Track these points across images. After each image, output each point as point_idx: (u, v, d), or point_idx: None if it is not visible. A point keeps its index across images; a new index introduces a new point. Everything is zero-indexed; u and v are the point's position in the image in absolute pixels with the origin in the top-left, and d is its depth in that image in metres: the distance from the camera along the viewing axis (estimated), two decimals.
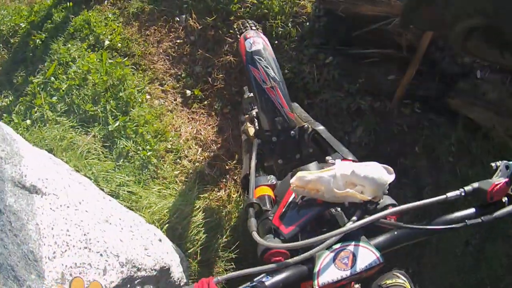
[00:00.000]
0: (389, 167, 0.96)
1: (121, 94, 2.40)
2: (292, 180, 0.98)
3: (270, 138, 1.50)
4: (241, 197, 2.30)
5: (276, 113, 1.48)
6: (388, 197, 0.99)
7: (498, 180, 0.94)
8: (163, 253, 1.38)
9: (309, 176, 0.94)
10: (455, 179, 2.38)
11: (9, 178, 1.21)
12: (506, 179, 0.94)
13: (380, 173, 0.92)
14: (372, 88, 2.49)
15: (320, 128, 1.49)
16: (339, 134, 2.47)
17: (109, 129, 2.30)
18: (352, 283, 0.90)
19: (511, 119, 2.19)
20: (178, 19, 2.78)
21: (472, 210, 0.95)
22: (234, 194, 2.30)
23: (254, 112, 1.70)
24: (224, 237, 2.12)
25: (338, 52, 2.49)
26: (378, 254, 0.86)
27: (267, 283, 0.82)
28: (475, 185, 0.96)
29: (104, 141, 2.30)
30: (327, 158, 1.26)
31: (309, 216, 0.97)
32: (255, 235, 0.93)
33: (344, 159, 1.24)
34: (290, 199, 1.02)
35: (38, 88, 2.50)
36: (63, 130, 2.28)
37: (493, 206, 0.94)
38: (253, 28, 1.79)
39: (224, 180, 2.37)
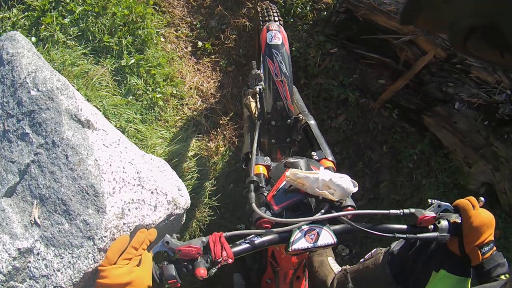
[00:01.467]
0: (355, 182, 1.26)
1: (139, 31, 2.44)
2: (287, 174, 1.28)
3: (269, 121, 1.76)
4: (227, 152, 2.58)
5: (280, 101, 1.73)
6: (350, 200, 1.30)
7: (429, 213, 1.24)
8: (186, 194, 1.44)
9: (300, 174, 1.25)
10: (409, 183, 2.76)
11: (66, 110, 1.22)
12: (434, 215, 1.24)
13: (348, 184, 1.23)
14: (362, 86, 2.76)
15: (312, 122, 1.74)
16: (322, 117, 2.76)
17: (122, 64, 2.35)
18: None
19: (471, 150, 2.58)
20: None
21: (404, 227, 1.28)
22: (221, 148, 2.56)
23: (257, 89, 1.89)
24: (210, 185, 2.42)
25: (344, 46, 2.71)
26: (334, 237, 1.22)
27: (256, 242, 1.20)
28: (412, 210, 1.25)
29: (115, 74, 2.35)
30: (312, 153, 1.56)
31: (293, 200, 1.29)
32: (254, 206, 1.23)
33: (325, 158, 1.54)
34: (281, 185, 1.32)
35: (49, 6, 2.30)
36: (75, 55, 2.24)
37: (420, 229, 1.26)
38: (276, 20, 1.94)
39: (215, 133, 2.60)
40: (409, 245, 1.48)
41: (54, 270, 1.07)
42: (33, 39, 2.23)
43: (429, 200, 1.30)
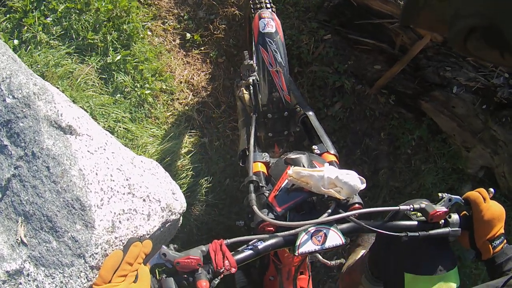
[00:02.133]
0: (363, 178, 1.20)
1: (124, 26, 2.37)
2: (289, 172, 1.21)
3: (265, 114, 1.69)
4: (221, 146, 2.50)
5: (275, 92, 1.65)
6: (357, 197, 1.24)
7: (440, 208, 1.17)
8: (182, 197, 1.36)
9: (304, 172, 1.18)
10: (408, 169, 2.71)
11: (44, 117, 1.13)
12: (446, 209, 1.17)
13: (356, 181, 1.17)
14: (358, 72, 2.68)
15: (310, 113, 1.68)
16: (318, 105, 2.68)
17: (108, 61, 2.28)
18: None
19: (469, 134, 2.53)
20: None
21: (414, 224, 1.20)
22: (215, 142, 2.48)
23: (251, 80, 1.78)
24: (206, 182, 2.35)
25: (337, 32, 2.63)
26: (342, 238, 1.15)
27: (259, 247, 1.11)
28: (422, 205, 1.18)
29: (101, 73, 2.28)
30: (313, 147, 1.49)
31: (297, 200, 1.22)
32: (256, 209, 1.16)
33: (327, 151, 1.47)
34: (283, 184, 1.25)
35: (31, 6, 2.26)
36: (58, 56, 2.20)
37: (431, 225, 1.19)
38: (268, 7, 1.86)
39: (208, 127, 2.52)
40: (378, 242, 1.42)
41: None
42: (16, 41, 2.20)
43: (439, 194, 1.24)
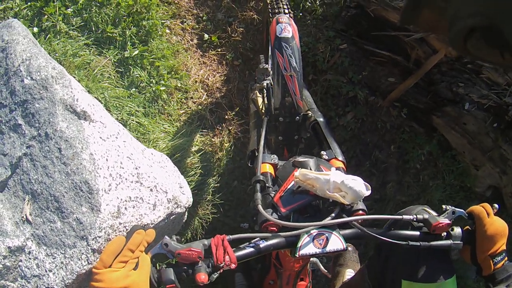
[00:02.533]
0: (368, 184, 1.20)
1: (144, 22, 2.40)
2: (296, 174, 1.22)
3: (277, 118, 1.70)
4: (232, 147, 2.51)
5: (288, 97, 1.66)
6: (361, 203, 1.24)
7: (443, 220, 1.17)
8: (188, 191, 1.37)
9: (311, 174, 1.19)
10: (416, 184, 2.70)
11: (60, 100, 1.15)
12: (449, 222, 1.17)
13: (361, 187, 1.17)
14: (371, 83, 2.69)
15: (321, 120, 1.68)
16: (330, 114, 2.69)
17: (125, 55, 2.30)
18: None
19: (479, 152, 2.52)
20: None
21: (416, 233, 1.21)
22: (226, 144, 2.50)
23: (265, 83, 1.79)
24: (213, 182, 2.36)
25: (353, 43, 2.64)
26: (344, 243, 1.15)
27: (261, 245, 1.12)
28: (426, 216, 1.18)
29: (118, 66, 2.30)
30: (322, 153, 1.50)
31: (302, 203, 1.23)
32: (260, 208, 1.17)
33: (335, 157, 1.48)
34: (289, 186, 1.25)
35: None
36: (77, 46, 2.21)
37: (433, 236, 1.20)
38: (286, 12, 1.89)
39: (220, 128, 2.54)
40: (377, 253, 1.42)
41: (46, 270, 1.01)
42: (35, 29, 2.21)
43: (444, 206, 1.24)
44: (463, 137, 2.54)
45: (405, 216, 1.18)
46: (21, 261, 1.03)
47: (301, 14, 2.70)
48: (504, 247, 1.21)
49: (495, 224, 1.19)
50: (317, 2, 2.70)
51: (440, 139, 2.70)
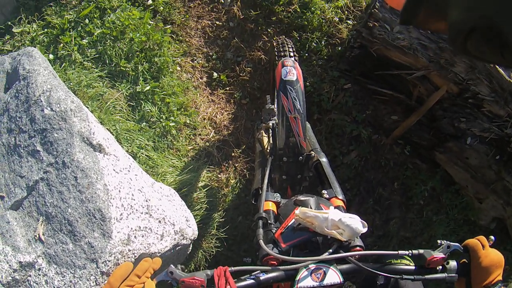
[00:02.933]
0: (365, 222, 1.23)
1: (156, 59, 2.49)
2: (297, 212, 1.27)
3: (281, 158, 1.75)
4: (237, 184, 2.57)
5: (292, 137, 1.72)
6: (359, 240, 1.28)
7: (438, 254, 1.21)
8: (194, 225, 1.44)
9: (310, 213, 1.24)
10: (419, 220, 2.72)
11: (78, 132, 1.23)
12: (444, 256, 1.21)
13: (358, 225, 1.21)
14: (375, 122, 2.76)
15: (324, 160, 1.73)
16: (335, 153, 2.75)
17: (137, 90, 2.38)
18: None
19: (482, 186, 2.55)
20: (223, 2, 2.89)
21: (411, 267, 1.25)
22: (232, 180, 2.55)
23: (271, 124, 1.89)
24: (218, 217, 2.40)
25: (357, 82, 2.74)
26: (341, 277, 1.19)
27: (261, 278, 1.17)
28: (421, 251, 1.22)
29: (130, 100, 2.38)
30: (323, 191, 1.54)
31: (301, 239, 1.27)
32: (261, 243, 1.21)
33: (335, 196, 1.52)
34: (290, 223, 1.30)
35: (69, 25, 2.36)
36: (91, 77, 2.27)
37: (428, 270, 1.23)
38: (291, 55, 1.96)
39: (226, 165, 2.60)
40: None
41: (54, 287, 1.06)
42: (51, 56, 2.28)
43: (439, 241, 1.27)
44: (466, 171, 2.59)
45: (400, 252, 1.21)
46: (30, 276, 1.09)
47: (307, 54, 2.80)
48: (499, 277, 1.22)
49: (490, 255, 1.21)
50: (323, 42, 2.81)
51: (443, 174, 2.75)
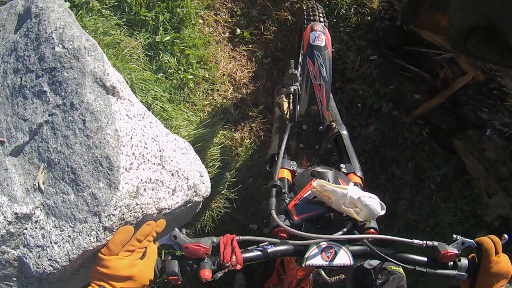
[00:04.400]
0: (384, 204, 1.18)
1: (178, 9, 2.39)
2: (314, 184, 1.21)
3: (301, 125, 1.68)
4: (252, 145, 2.53)
5: (314, 105, 1.65)
6: (374, 222, 1.23)
7: (452, 249, 1.16)
8: (208, 181, 1.33)
9: (328, 186, 1.18)
10: (428, 205, 2.68)
11: (91, 72, 1.11)
12: (457, 252, 1.17)
13: (377, 206, 1.16)
14: (397, 98, 2.68)
15: (344, 133, 1.66)
16: (353, 123, 2.70)
17: (156, 40, 2.30)
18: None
19: (494, 180, 2.49)
20: None
21: (424, 259, 1.20)
22: (246, 140, 2.51)
23: (292, 89, 1.76)
24: (230, 176, 2.36)
25: (384, 55, 2.64)
26: (351, 259, 1.15)
27: (269, 250, 1.12)
28: (435, 243, 1.17)
29: (148, 49, 2.30)
30: (341, 165, 1.49)
31: (315, 213, 1.22)
32: (273, 213, 1.16)
33: (354, 172, 1.47)
34: (305, 195, 1.24)
35: None
36: (108, 25, 2.19)
37: (441, 264, 1.19)
38: (322, 20, 1.88)
39: (242, 124, 2.55)
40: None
41: (51, 242, 0.99)
42: (67, 3, 2.14)
43: (454, 236, 1.22)
44: (480, 163, 2.53)
45: (415, 241, 1.16)
46: (26, 229, 1.02)
47: (334, 20, 2.69)
48: None
49: (501, 264, 1.17)
50: (352, 10, 2.69)
51: (457, 162, 2.69)
